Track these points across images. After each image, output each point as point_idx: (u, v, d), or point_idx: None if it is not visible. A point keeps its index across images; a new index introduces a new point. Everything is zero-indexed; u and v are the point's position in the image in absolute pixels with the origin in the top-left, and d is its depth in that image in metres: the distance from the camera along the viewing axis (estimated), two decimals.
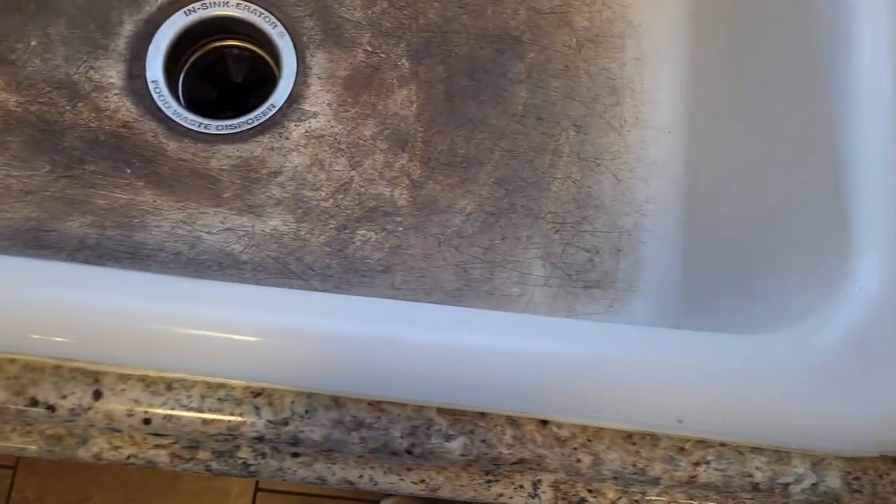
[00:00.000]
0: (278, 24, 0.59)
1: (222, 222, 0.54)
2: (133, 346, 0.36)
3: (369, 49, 0.59)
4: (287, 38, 0.58)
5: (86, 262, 0.53)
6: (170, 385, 0.37)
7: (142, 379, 0.37)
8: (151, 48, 0.57)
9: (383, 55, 0.59)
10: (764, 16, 0.52)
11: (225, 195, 0.55)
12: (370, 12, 0.59)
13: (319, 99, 0.57)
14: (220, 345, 0.36)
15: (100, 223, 0.53)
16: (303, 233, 0.55)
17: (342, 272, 0.55)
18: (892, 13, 0.42)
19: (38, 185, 0.54)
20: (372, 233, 0.55)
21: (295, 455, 0.38)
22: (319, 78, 0.58)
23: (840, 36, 0.42)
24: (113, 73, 0.56)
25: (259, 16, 0.59)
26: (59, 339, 0.36)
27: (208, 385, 0.37)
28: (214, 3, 0.58)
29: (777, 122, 0.48)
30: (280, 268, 0.54)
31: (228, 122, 0.56)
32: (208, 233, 0.54)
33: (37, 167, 0.54)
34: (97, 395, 0.37)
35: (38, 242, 0.52)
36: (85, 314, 0.36)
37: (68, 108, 0.55)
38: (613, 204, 0.57)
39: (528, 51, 0.59)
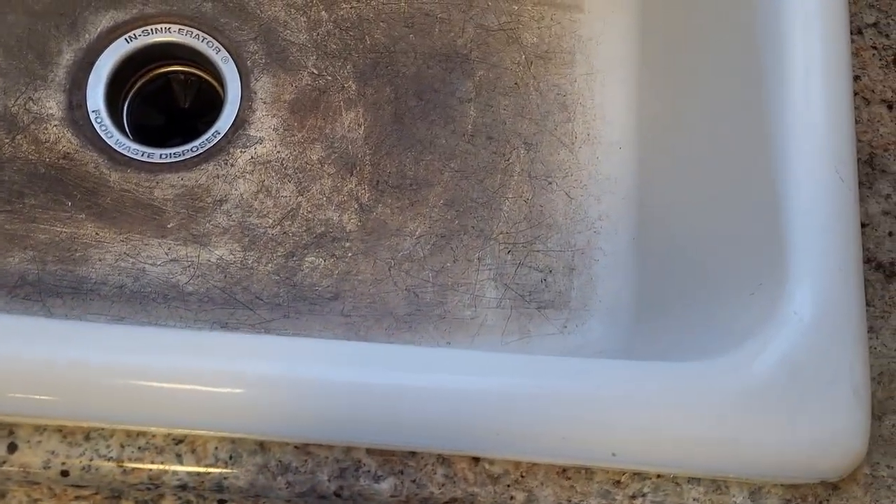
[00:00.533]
0: (222, 48, 0.58)
1: (167, 253, 0.54)
2: (48, 397, 0.35)
3: (315, 72, 0.58)
4: (231, 62, 0.58)
5: (27, 298, 0.52)
6: (88, 435, 0.36)
7: (59, 429, 0.36)
8: (92, 77, 0.56)
9: (329, 77, 0.58)
10: (708, 31, 0.51)
11: (169, 225, 0.54)
12: (315, 34, 0.59)
13: (265, 124, 0.56)
14: (139, 392, 0.36)
15: (41, 258, 0.53)
16: (250, 261, 0.54)
17: (291, 300, 0.54)
18: (823, 39, 0.41)
19: None
20: (321, 259, 0.55)
21: (221, 502, 0.37)
22: (265, 102, 0.57)
23: (772, 61, 0.41)
24: (52, 103, 0.55)
25: (202, 41, 0.58)
26: None
27: (128, 433, 0.36)
28: (156, 28, 0.58)
29: (720, 143, 0.47)
30: (227, 298, 0.53)
31: (172, 151, 0.55)
32: (153, 264, 0.53)
33: None
34: (12, 447, 0.36)
35: None
36: None
37: (7, 140, 0.55)
38: (566, 222, 0.56)
39: (476, 69, 0.59)
